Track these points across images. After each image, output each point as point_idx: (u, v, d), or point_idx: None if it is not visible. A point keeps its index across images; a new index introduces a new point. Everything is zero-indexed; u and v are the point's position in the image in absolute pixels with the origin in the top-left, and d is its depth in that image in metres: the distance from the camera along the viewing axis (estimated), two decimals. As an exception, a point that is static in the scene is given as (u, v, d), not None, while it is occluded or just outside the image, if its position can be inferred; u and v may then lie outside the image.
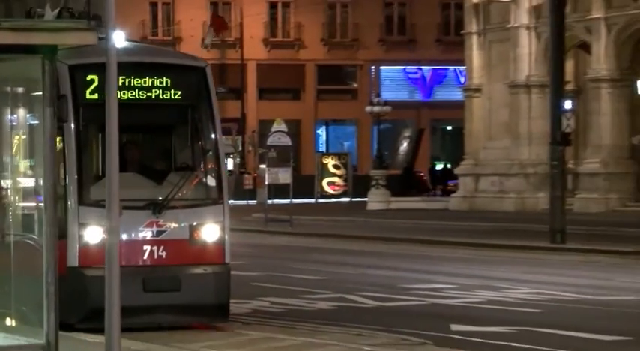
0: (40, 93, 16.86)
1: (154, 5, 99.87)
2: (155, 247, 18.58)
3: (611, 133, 63.61)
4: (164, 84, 19.32)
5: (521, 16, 67.56)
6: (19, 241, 17.47)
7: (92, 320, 17.78)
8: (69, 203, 18.28)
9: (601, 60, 63.61)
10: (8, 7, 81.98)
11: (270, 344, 19.47)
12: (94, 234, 18.26)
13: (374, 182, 77.88)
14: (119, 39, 21.39)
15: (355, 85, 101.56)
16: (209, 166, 19.70)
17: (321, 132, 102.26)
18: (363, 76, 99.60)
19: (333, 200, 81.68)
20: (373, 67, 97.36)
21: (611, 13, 62.90)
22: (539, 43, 64.28)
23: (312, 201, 77.35)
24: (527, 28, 67.14)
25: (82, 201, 18.28)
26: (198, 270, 19.07)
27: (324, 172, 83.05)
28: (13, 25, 18.76)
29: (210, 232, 19.13)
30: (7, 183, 18.36)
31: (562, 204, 48.19)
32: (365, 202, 77.01)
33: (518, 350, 19.24)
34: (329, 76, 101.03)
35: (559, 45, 50.73)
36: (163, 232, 18.68)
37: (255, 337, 20.23)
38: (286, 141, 65.20)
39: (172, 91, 19.40)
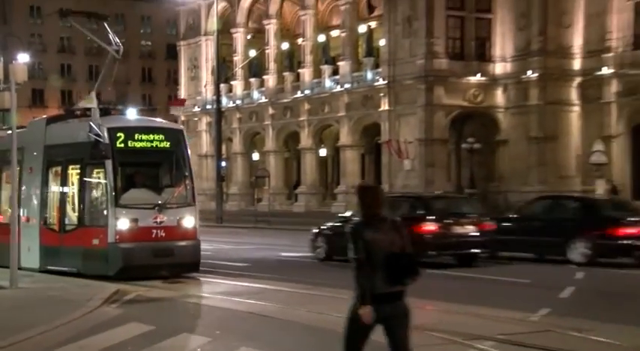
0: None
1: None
2: (158, 230, 16.84)
3: (242, 175, 63.69)
4: (160, 138, 17.72)
5: (202, 126, 67.02)
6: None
7: (122, 274, 16.43)
8: (109, 205, 16.61)
9: (237, 144, 63.66)
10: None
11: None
12: (123, 223, 16.57)
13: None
14: (132, 113, 20.17)
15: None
16: (186, 184, 17.92)
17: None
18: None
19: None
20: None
21: (242, 125, 63.07)
22: (211, 137, 63.60)
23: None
24: (205, 131, 66.58)
25: (116, 204, 16.56)
26: (183, 243, 17.28)
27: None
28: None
29: (188, 221, 17.36)
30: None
31: (221, 206, 48.25)
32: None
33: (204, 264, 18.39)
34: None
35: (219, 138, 50.70)
36: (163, 221, 16.88)
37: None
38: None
39: (165, 143, 17.79)
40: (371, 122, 52.07)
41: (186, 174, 17.91)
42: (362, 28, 54.24)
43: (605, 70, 45.12)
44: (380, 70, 50.87)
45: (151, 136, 17.59)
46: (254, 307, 13.03)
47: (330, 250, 21.22)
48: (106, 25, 18.95)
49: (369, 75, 52.11)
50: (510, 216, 23.06)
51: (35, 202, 18.49)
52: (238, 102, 62.47)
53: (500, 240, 20.20)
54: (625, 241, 19.16)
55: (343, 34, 54.27)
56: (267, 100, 59.77)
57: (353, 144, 53.53)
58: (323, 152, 58.08)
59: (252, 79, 62.09)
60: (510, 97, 48.08)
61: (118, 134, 17.01)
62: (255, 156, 64.05)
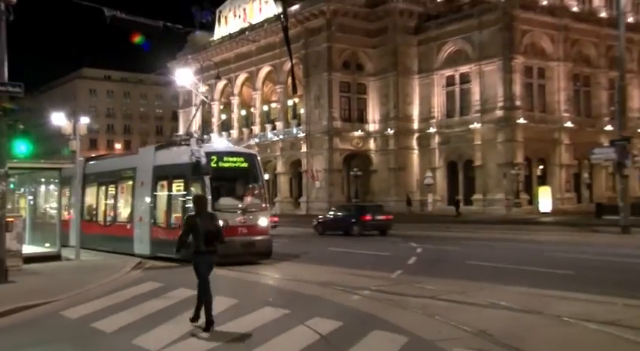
0: (57, 180, 15.35)
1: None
2: (243, 228, 14.13)
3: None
4: (242, 160, 15.04)
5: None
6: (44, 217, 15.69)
7: (218, 260, 13.92)
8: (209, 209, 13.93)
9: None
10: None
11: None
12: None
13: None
14: (223, 142, 17.81)
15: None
16: (261, 193, 15.03)
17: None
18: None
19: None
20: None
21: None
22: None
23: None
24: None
25: (214, 208, 13.51)
26: (260, 238, 14.42)
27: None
28: (58, 162, 16.68)
29: (263, 221, 14.52)
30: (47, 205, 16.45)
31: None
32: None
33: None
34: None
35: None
36: (245, 221, 14.17)
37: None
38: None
39: (245, 163, 15.03)
40: (296, 159, 52.44)
41: (260, 185, 15.43)
42: (290, 102, 54.76)
43: (432, 130, 46.84)
44: (301, 127, 51.54)
45: (235, 159, 15.26)
46: (233, 274, 12.80)
47: None
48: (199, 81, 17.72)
49: (294, 130, 52.57)
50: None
51: (146, 207, 15.84)
52: (215, 146, 61.61)
53: None
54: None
55: (279, 106, 54.75)
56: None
57: (285, 172, 53.72)
58: (266, 177, 57.81)
59: (224, 133, 61.58)
60: (378, 144, 49.23)
61: (212, 157, 14.79)
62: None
